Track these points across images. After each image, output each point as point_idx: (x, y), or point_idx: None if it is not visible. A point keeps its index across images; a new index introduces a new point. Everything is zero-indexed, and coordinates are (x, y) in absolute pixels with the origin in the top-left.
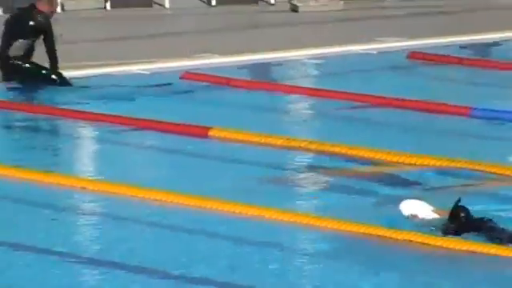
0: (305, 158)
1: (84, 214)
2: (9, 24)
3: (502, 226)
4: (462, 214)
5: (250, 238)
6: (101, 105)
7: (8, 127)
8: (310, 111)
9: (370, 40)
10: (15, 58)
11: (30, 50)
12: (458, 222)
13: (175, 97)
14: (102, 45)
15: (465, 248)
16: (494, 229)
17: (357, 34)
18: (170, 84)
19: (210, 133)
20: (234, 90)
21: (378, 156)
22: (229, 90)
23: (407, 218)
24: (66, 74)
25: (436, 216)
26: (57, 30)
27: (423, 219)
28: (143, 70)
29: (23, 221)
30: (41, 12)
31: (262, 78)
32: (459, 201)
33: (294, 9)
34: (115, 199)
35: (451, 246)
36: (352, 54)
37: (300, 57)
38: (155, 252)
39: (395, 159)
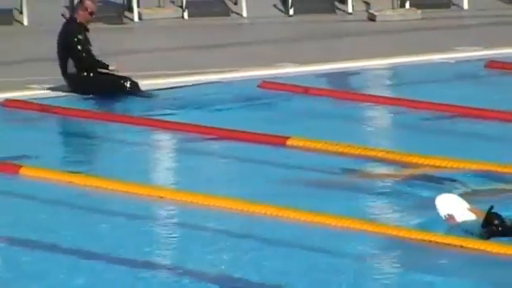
0: (382, 167)
1: (162, 224)
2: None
3: None
4: (496, 222)
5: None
6: (179, 114)
7: (86, 137)
8: (387, 120)
9: (447, 49)
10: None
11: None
12: (492, 228)
13: (253, 106)
14: (179, 54)
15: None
16: None
17: (435, 43)
18: (248, 93)
19: (289, 142)
20: (313, 99)
21: (456, 165)
22: (307, 99)
23: (444, 218)
24: (144, 82)
25: (472, 216)
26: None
27: (459, 222)
28: (221, 79)
29: (101, 230)
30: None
31: (340, 87)
32: (492, 208)
33: (372, 18)
34: (194, 209)
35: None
36: (430, 63)
37: (378, 66)
38: (246, 266)
39: (475, 167)
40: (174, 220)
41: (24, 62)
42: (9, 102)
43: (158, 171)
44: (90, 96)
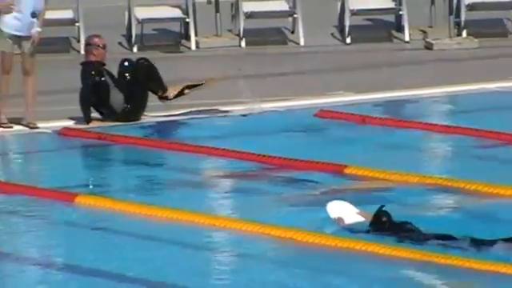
0: (441, 196)
1: (217, 252)
2: None
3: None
4: (384, 219)
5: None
6: (235, 142)
7: (143, 164)
8: (445, 149)
9: (505, 78)
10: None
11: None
12: (381, 225)
13: (310, 134)
14: (235, 83)
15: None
16: (412, 231)
17: (492, 71)
18: (305, 121)
19: (346, 170)
20: (370, 127)
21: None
22: (364, 128)
23: (334, 220)
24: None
25: (360, 219)
26: None
27: (348, 224)
28: (278, 107)
29: (160, 259)
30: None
31: (398, 115)
32: (383, 206)
33: (429, 46)
34: (247, 237)
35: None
36: (487, 91)
37: (435, 94)
38: None
39: None
40: (240, 249)
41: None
42: (66, 131)
43: (216, 199)
44: (147, 124)
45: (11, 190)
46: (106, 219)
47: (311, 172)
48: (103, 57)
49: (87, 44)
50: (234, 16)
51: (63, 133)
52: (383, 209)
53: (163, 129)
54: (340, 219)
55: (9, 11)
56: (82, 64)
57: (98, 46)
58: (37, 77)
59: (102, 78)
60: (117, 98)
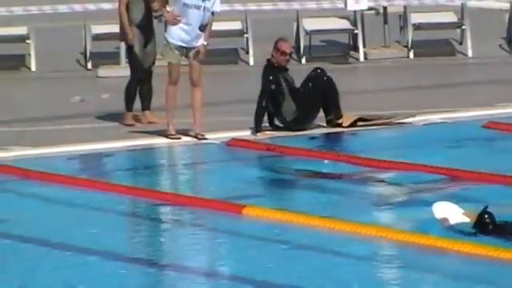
0: None
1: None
2: None
3: None
4: (487, 220)
5: None
6: (400, 153)
7: (310, 176)
8: None
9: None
10: None
11: None
12: (484, 227)
13: (479, 145)
14: (404, 94)
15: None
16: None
17: None
18: (473, 133)
19: None
20: None
21: None
22: None
23: (439, 221)
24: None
25: (466, 219)
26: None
27: (453, 224)
28: (446, 118)
29: (336, 267)
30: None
31: None
32: (486, 207)
33: None
34: (411, 249)
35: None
36: None
37: None
38: None
39: None
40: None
41: (249, 101)
42: (234, 142)
43: (383, 210)
44: (316, 135)
45: (179, 200)
46: (274, 231)
47: (480, 184)
48: (285, 63)
49: (274, 47)
50: (403, 27)
51: (231, 144)
52: (487, 210)
53: (331, 140)
54: (445, 219)
55: (175, 23)
56: (265, 66)
57: (283, 52)
58: (205, 88)
59: (279, 86)
60: (290, 106)
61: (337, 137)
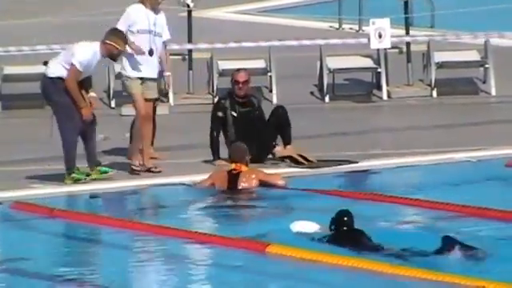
0: None
1: None
2: None
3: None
4: (345, 218)
5: None
6: (424, 192)
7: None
8: None
9: None
10: None
11: None
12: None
13: (502, 184)
14: (427, 133)
15: None
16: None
17: None
18: (495, 172)
19: None
20: None
21: None
22: None
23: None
24: (393, 162)
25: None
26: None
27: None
28: (470, 157)
29: None
30: None
31: None
32: (343, 210)
33: None
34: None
35: None
36: None
37: None
38: None
39: None
40: None
41: None
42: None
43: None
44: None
45: (200, 238)
46: (298, 270)
47: (504, 222)
48: (238, 91)
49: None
50: (426, 66)
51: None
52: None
53: (352, 179)
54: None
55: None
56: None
57: (236, 81)
58: None
59: (225, 113)
60: (231, 135)
61: (357, 175)
